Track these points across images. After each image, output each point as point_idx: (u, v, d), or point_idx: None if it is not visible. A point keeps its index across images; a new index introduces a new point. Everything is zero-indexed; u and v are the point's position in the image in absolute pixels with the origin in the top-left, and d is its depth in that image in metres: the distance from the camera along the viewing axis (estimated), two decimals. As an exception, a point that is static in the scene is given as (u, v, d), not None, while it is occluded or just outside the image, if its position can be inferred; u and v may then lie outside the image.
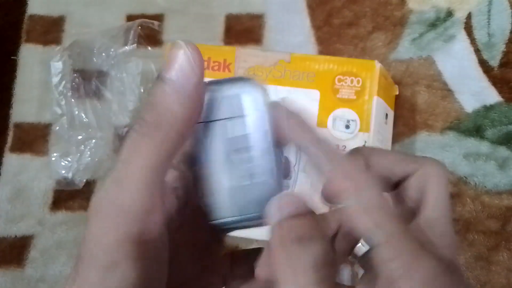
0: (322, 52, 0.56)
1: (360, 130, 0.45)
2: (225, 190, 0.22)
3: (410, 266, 0.19)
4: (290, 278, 0.19)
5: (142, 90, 0.55)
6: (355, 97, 0.45)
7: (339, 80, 0.46)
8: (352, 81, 0.46)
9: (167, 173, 0.21)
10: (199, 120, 0.22)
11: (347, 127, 0.45)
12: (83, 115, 0.54)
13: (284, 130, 0.22)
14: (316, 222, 0.21)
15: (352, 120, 0.45)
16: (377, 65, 0.45)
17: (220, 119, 0.22)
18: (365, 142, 0.45)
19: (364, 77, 0.45)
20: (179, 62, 0.20)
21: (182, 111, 0.20)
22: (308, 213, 0.21)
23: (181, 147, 0.21)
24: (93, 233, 0.20)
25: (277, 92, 0.46)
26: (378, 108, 0.46)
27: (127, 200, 0.19)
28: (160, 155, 0.20)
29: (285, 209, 0.21)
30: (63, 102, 0.55)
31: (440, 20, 0.55)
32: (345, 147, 0.45)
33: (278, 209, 0.21)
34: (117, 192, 0.20)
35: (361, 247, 0.22)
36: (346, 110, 0.45)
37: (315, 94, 0.46)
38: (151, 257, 0.20)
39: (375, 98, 0.45)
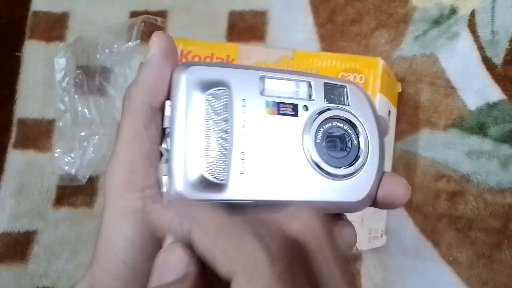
0: (325, 49, 0.56)
1: (362, 127, 0.45)
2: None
3: None
4: None
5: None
6: (358, 94, 0.45)
7: (342, 77, 0.46)
8: (355, 78, 0.46)
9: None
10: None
11: (350, 124, 0.45)
12: (86, 111, 0.54)
13: None
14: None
15: (355, 117, 0.45)
16: (380, 61, 0.45)
17: None
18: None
19: (367, 73, 0.45)
20: (150, 48, 0.24)
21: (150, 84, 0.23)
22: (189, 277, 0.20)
23: (153, 114, 0.23)
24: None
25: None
26: (381, 105, 0.46)
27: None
28: (134, 125, 0.23)
29: (165, 274, 0.20)
30: (66, 99, 0.55)
31: (443, 18, 0.55)
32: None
33: (158, 272, 0.20)
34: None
35: None
36: (348, 107, 0.45)
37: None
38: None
39: (378, 95, 0.45)
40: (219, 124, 0.23)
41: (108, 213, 0.23)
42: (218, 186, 0.23)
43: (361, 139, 0.25)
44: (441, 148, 0.52)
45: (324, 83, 0.26)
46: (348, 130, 0.25)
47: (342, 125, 0.25)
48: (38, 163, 0.57)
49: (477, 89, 0.52)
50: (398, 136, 0.52)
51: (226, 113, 0.23)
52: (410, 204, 0.51)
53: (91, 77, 0.55)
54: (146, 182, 0.23)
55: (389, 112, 0.49)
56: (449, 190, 0.51)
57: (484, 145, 0.51)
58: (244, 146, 0.23)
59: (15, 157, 0.57)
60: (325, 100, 0.25)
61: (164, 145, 0.24)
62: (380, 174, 0.26)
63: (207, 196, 0.23)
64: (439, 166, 0.51)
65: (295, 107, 0.25)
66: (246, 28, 0.58)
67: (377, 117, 0.26)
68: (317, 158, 0.24)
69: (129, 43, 0.52)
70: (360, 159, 0.25)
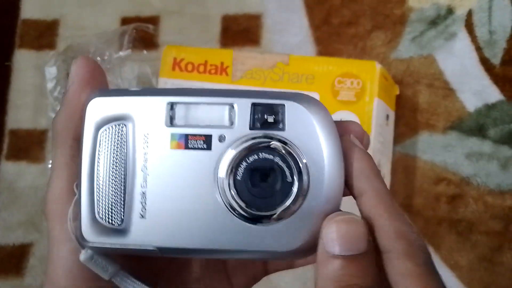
0: (321, 52, 0.55)
1: (361, 133, 0.44)
2: None
3: None
4: None
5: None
6: (355, 99, 0.45)
7: (339, 82, 0.45)
8: (352, 83, 0.45)
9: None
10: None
11: (348, 130, 0.44)
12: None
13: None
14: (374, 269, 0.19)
15: (353, 123, 0.44)
16: (377, 66, 0.45)
17: None
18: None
19: (364, 78, 0.45)
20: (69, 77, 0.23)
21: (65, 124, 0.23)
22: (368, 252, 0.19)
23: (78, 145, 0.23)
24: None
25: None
26: (379, 110, 0.45)
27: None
28: (63, 158, 0.23)
29: (351, 247, 0.19)
30: (58, 108, 0.54)
31: (440, 18, 0.54)
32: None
33: (342, 237, 0.19)
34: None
35: None
36: (346, 112, 0.45)
37: (314, 97, 0.45)
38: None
39: (376, 99, 0.44)
40: (112, 164, 0.21)
41: (49, 240, 0.23)
42: (116, 231, 0.21)
43: (296, 174, 0.20)
44: (440, 150, 0.51)
45: (253, 103, 0.21)
46: (279, 162, 0.21)
47: (271, 156, 0.21)
48: (31, 174, 0.56)
49: (475, 90, 0.52)
50: (396, 139, 0.52)
51: (120, 152, 0.21)
52: (410, 208, 0.50)
53: (83, 86, 0.54)
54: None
55: (387, 116, 0.48)
56: (449, 193, 0.50)
57: (484, 147, 0.51)
58: (145, 187, 0.21)
59: (8, 168, 0.57)
60: (251, 125, 0.21)
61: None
62: (327, 215, 0.20)
63: (108, 241, 0.21)
64: (439, 169, 0.51)
65: (207, 138, 0.21)
66: (240, 31, 0.57)
67: (334, 142, 0.21)
68: (233, 199, 0.21)
69: (120, 52, 0.52)
70: (291, 199, 0.20)
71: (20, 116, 0.58)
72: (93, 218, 0.21)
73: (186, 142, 0.21)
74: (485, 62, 0.52)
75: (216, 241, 0.21)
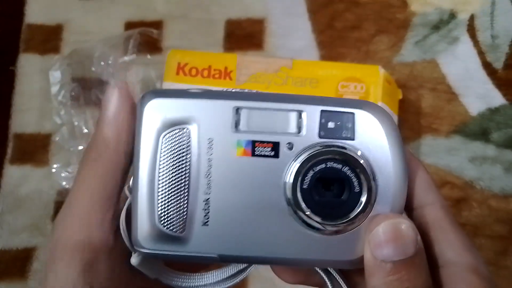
0: (324, 56, 0.55)
1: (365, 137, 0.44)
2: None
3: None
4: None
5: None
6: (359, 103, 0.45)
7: (343, 86, 0.45)
8: (355, 87, 0.45)
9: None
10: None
11: (352, 134, 0.44)
12: (83, 124, 0.54)
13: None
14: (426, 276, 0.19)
15: (357, 127, 0.44)
16: (381, 70, 0.45)
17: None
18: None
19: (368, 82, 0.45)
20: (110, 101, 0.22)
21: (113, 142, 0.22)
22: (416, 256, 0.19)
23: (119, 171, 0.22)
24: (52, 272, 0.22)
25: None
26: (383, 114, 0.45)
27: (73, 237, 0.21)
28: (102, 183, 0.22)
29: (403, 249, 0.19)
30: (62, 112, 0.54)
31: (443, 22, 0.54)
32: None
33: (392, 243, 0.19)
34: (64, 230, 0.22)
35: None
36: (350, 116, 0.45)
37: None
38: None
39: (380, 104, 0.45)
40: (175, 170, 0.20)
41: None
42: (177, 239, 0.20)
43: (365, 184, 0.20)
44: (444, 154, 0.51)
45: (322, 110, 0.20)
46: (348, 173, 0.20)
47: (340, 166, 0.20)
48: (36, 178, 0.56)
49: (478, 94, 0.52)
50: (400, 143, 0.52)
51: (185, 157, 0.20)
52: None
53: (87, 90, 0.54)
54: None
55: (391, 120, 0.48)
56: (453, 197, 0.50)
57: (487, 150, 0.51)
58: (208, 194, 0.20)
59: (12, 172, 0.57)
60: (320, 134, 0.20)
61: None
62: None
63: (167, 248, 0.21)
64: (442, 173, 0.51)
65: (275, 145, 0.20)
66: (244, 36, 0.57)
67: (401, 152, 0.21)
68: (301, 208, 0.20)
69: (125, 57, 0.52)
70: (359, 210, 0.20)
71: (25, 120, 0.58)
72: (153, 225, 0.20)
73: (253, 149, 0.20)
74: (488, 66, 0.52)
75: (280, 250, 0.21)
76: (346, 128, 0.20)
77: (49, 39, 0.60)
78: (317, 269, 0.22)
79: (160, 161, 0.20)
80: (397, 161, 0.20)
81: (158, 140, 0.20)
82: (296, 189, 0.20)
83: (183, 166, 0.20)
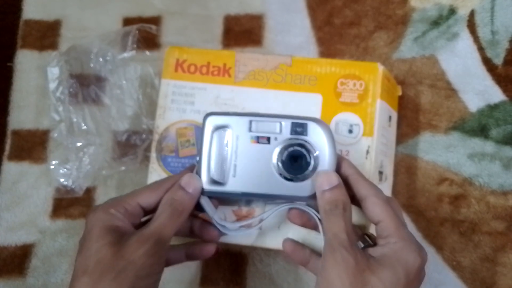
0: (323, 52, 0.55)
1: (363, 135, 0.44)
2: None
3: None
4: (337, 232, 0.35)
5: (140, 95, 0.54)
6: (358, 100, 0.44)
7: (342, 84, 0.45)
8: (354, 84, 0.45)
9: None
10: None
11: (350, 131, 0.44)
12: (81, 121, 0.53)
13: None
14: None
15: (355, 125, 0.44)
16: (380, 67, 0.45)
17: None
18: (369, 147, 0.44)
19: (367, 80, 0.45)
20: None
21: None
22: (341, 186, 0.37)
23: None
24: None
25: (277, 97, 0.46)
26: (382, 111, 0.45)
27: None
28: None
29: (330, 181, 0.37)
30: (60, 108, 0.54)
31: (442, 18, 0.54)
32: (348, 152, 0.44)
33: (326, 180, 0.37)
34: None
35: None
36: (349, 114, 0.45)
37: (317, 98, 0.45)
38: None
39: (378, 101, 0.44)
40: (221, 149, 0.40)
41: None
42: (220, 184, 0.40)
43: (312, 157, 0.38)
44: (443, 151, 0.51)
45: (292, 122, 0.39)
46: (304, 152, 0.38)
47: (300, 148, 0.39)
48: (34, 175, 0.56)
49: (478, 91, 0.52)
50: (399, 139, 0.52)
51: (225, 143, 0.40)
52: (412, 208, 0.50)
53: (85, 86, 0.54)
54: None
55: (390, 117, 0.48)
56: (451, 194, 0.50)
57: (486, 147, 0.51)
58: (236, 161, 0.40)
59: (10, 169, 0.57)
60: (291, 133, 0.39)
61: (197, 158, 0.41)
62: None
63: (215, 189, 0.40)
64: (441, 170, 0.51)
65: (268, 139, 0.39)
66: (243, 32, 0.57)
67: (332, 142, 0.39)
68: (281, 169, 0.39)
69: (124, 53, 0.51)
70: (309, 170, 0.38)
71: (23, 117, 0.58)
72: (209, 177, 0.40)
73: (258, 140, 0.39)
74: (487, 62, 0.52)
75: (270, 189, 0.39)
76: (304, 130, 0.39)
77: (46, 35, 0.60)
78: (309, 211, 0.39)
79: (212, 145, 0.40)
80: (329, 146, 0.39)
81: (212, 135, 0.40)
82: (278, 160, 0.39)
83: (224, 148, 0.40)
